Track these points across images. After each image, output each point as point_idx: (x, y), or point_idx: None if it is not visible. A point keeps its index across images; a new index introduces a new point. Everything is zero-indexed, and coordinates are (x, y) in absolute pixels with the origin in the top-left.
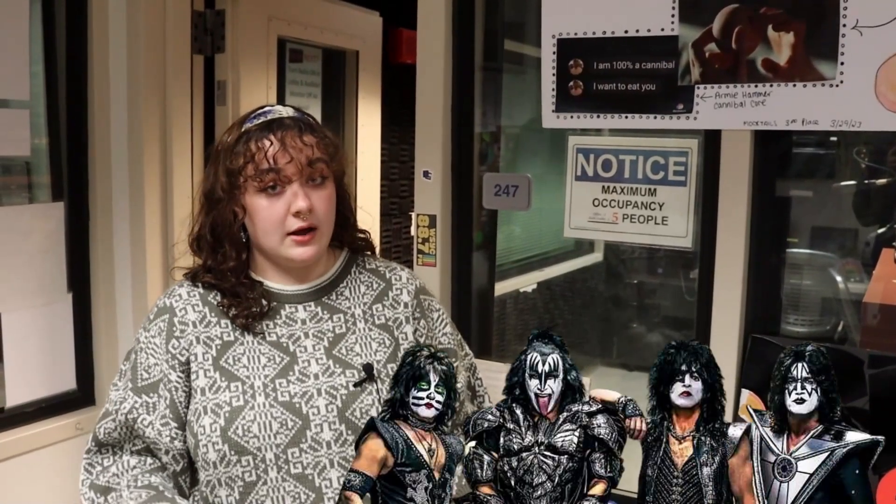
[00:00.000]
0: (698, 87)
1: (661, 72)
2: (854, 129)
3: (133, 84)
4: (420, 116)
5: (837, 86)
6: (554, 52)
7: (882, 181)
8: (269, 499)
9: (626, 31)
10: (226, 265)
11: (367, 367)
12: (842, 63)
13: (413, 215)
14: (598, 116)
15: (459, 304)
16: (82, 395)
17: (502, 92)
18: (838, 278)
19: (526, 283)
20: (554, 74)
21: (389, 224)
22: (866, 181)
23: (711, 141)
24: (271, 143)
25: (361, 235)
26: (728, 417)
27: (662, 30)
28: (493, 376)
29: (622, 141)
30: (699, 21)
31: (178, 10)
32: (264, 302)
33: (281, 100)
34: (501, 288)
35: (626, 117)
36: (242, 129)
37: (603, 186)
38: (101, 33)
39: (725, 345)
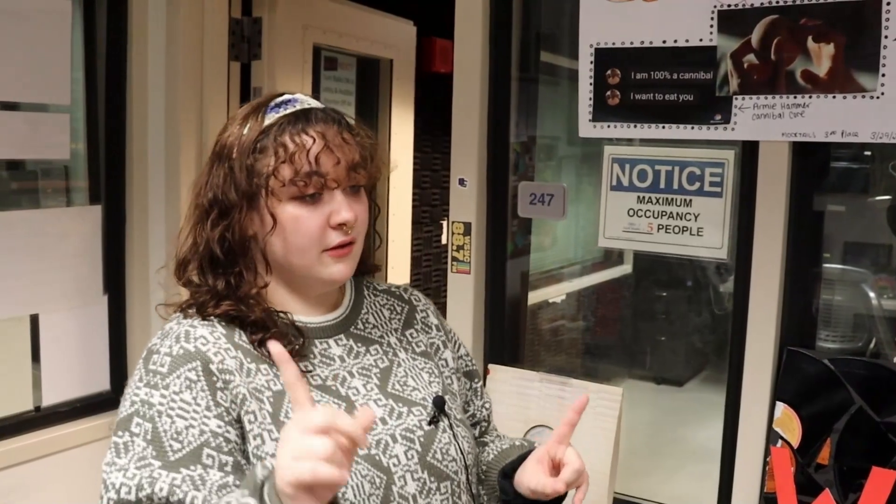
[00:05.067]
0: (736, 98)
1: (698, 82)
2: (895, 142)
3: (171, 90)
4: (456, 124)
5: (878, 98)
6: (591, 62)
7: None
8: None
9: (664, 42)
10: (246, 290)
11: (439, 401)
12: (883, 75)
13: (447, 223)
14: (635, 126)
15: (493, 312)
16: (115, 397)
17: (537, 102)
18: (871, 294)
19: (555, 293)
20: (591, 84)
21: (420, 232)
22: None
23: (749, 152)
24: (313, 141)
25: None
26: (763, 430)
27: (701, 40)
28: (523, 384)
29: (658, 151)
30: (738, 32)
31: (216, 18)
32: (293, 337)
33: None
34: (532, 297)
35: (664, 127)
36: (266, 122)
37: (638, 196)
38: (141, 39)
39: (761, 357)
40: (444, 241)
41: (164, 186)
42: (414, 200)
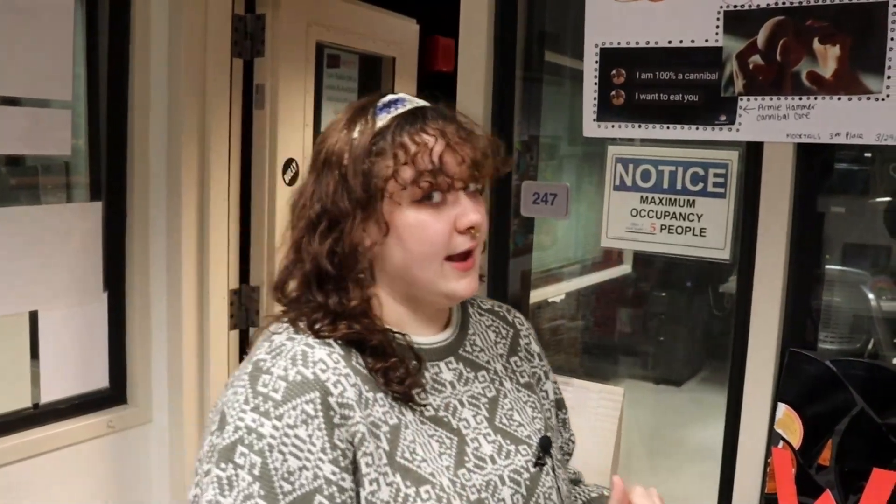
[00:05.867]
0: (741, 99)
1: (704, 83)
2: None
3: (173, 86)
4: None
5: (884, 100)
6: (596, 62)
7: None
8: None
9: (669, 42)
10: (357, 306)
11: (546, 443)
12: (888, 77)
13: None
14: (640, 126)
15: None
16: (114, 394)
17: (541, 102)
18: (870, 295)
19: (555, 293)
20: (596, 83)
21: None
22: None
23: (753, 153)
24: (435, 139)
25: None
26: (764, 431)
27: (706, 41)
28: None
29: (661, 151)
30: (744, 32)
31: (219, 14)
32: (410, 360)
33: (317, 105)
34: (532, 297)
35: (668, 128)
36: (378, 123)
37: (641, 196)
38: (143, 35)
39: (762, 358)
40: None
41: (166, 184)
42: None
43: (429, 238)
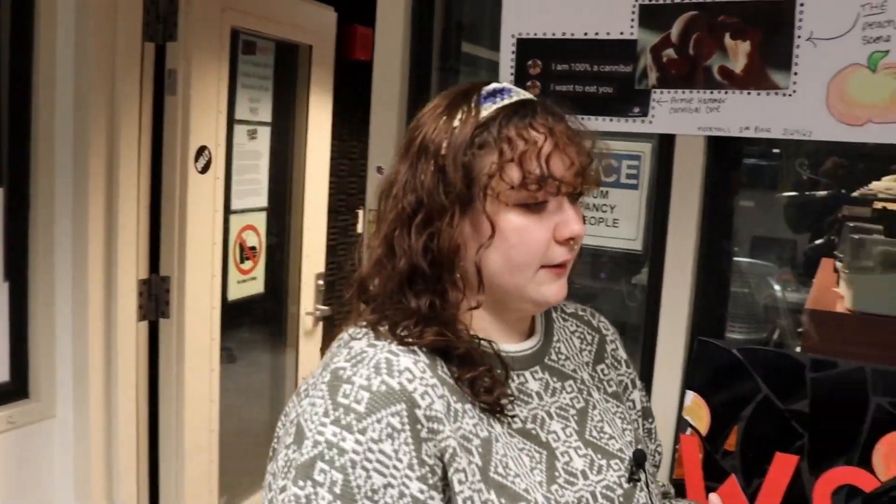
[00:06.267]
0: (655, 92)
1: (618, 75)
2: (805, 138)
3: (81, 70)
4: (375, 112)
5: (790, 95)
6: (513, 52)
7: (821, 193)
8: None
9: (585, 34)
10: (452, 312)
11: (640, 456)
12: (795, 73)
13: (363, 211)
14: None
15: None
16: (15, 388)
17: None
18: (776, 287)
19: None
20: (512, 74)
21: (336, 221)
22: (806, 192)
23: (665, 145)
24: (544, 138)
25: None
26: (673, 418)
27: (622, 33)
28: None
29: None
30: (658, 26)
31: None
32: (498, 370)
33: (232, 93)
34: None
35: (583, 119)
36: (482, 113)
37: None
38: (49, 15)
39: (672, 346)
40: (359, 230)
41: (72, 170)
42: (331, 189)
43: (528, 245)
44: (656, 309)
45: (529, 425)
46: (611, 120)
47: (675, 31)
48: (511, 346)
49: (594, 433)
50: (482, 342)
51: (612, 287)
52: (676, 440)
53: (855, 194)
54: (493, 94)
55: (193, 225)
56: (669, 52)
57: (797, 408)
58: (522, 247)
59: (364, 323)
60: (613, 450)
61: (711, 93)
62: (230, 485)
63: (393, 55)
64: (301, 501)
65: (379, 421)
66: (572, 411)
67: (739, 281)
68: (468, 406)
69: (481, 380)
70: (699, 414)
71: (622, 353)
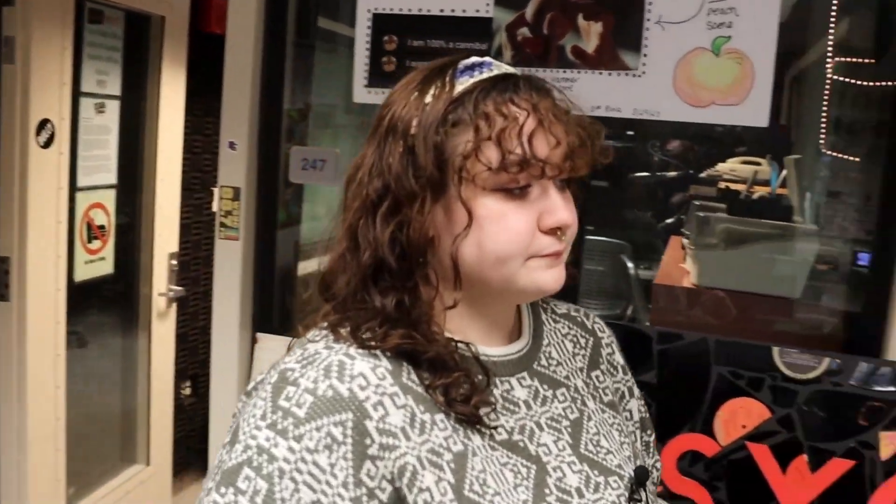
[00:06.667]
0: None
1: (474, 52)
2: (653, 119)
3: None
4: (227, 86)
5: (640, 76)
6: (369, 27)
7: (672, 174)
8: None
9: (441, 10)
10: (424, 311)
11: (642, 474)
12: (645, 55)
13: (217, 188)
14: None
15: (262, 279)
16: None
17: (313, 69)
18: (629, 264)
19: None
20: (368, 49)
21: (191, 199)
22: (658, 173)
23: None
24: (526, 115)
25: None
26: None
27: (477, 11)
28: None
29: None
30: (513, 5)
31: None
32: (476, 375)
33: (78, 64)
34: (308, 267)
35: None
36: (457, 87)
37: None
38: None
39: None
40: (214, 208)
41: None
42: (184, 166)
43: (509, 235)
44: None
45: (516, 436)
46: None
47: (529, 10)
48: (494, 350)
49: (590, 447)
50: (459, 345)
51: None
52: None
53: (702, 175)
54: (472, 67)
55: (35, 202)
56: (524, 31)
57: (645, 379)
58: (502, 236)
59: (325, 325)
60: (611, 466)
61: (564, 72)
62: (79, 473)
63: (246, 29)
64: None
65: (318, 429)
66: (565, 422)
67: (594, 259)
68: (439, 417)
69: (456, 387)
70: None
71: (619, 359)
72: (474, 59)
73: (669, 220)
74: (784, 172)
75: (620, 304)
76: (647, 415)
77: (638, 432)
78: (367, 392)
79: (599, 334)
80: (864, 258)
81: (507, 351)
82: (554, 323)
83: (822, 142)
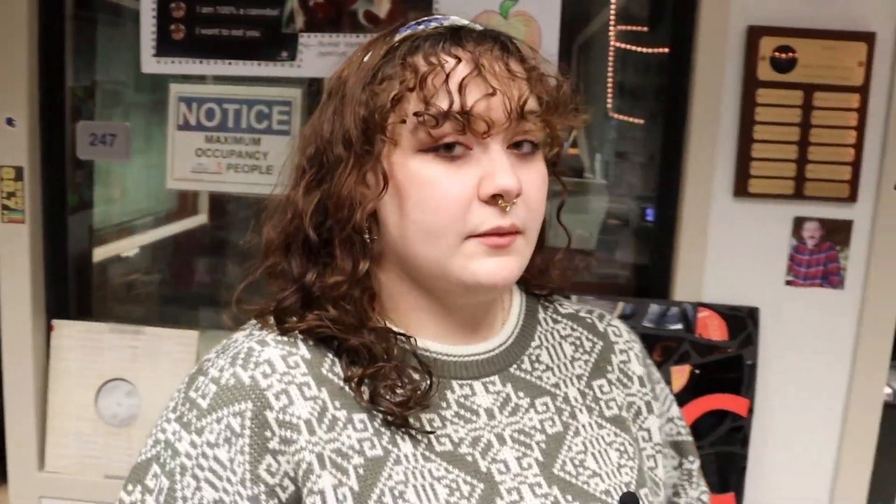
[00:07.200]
0: (302, 36)
1: (265, 19)
2: None
3: None
4: (1, 60)
5: None
6: None
7: None
8: None
9: None
10: (342, 292)
11: (628, 499)
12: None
13: None
14: (201, 62)
15: (55, 266)
16: None
17: (97, 43)
18: None
19: (127, 247)
20: (154, 17)
21: None
22: None
23: (315, 91)
24: (457, 61)
25: (562, 259)
26: None
27: None
28: (93, 337)
29: (226, 90)
30: None
31: None
32: (417, 375)
33: None
34: (101, 253)
35: (230, 63)
36: (395, 39)
37: (207, 136)
38: None
39: None
40: None
41: None
42: None
43: (436, 203)
44: None
45: (464, 449)
46: (259, 64)
47: None
48: (449, 348)
49: (568, 467)
50: (399, 336)
51: None
52: None
53: None
54: (419, 23)
55: None
56: None
57: None
58: (426, 206)
59: (256, 313)
60: (594, 490)
61: (357, 36)
62: None
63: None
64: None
65: (219, 420)
66: (539, 437)
67: None
68: (360, 416)
69: (380, 382)
70: None
71: (636, 368)
72: (436, 15)
73: None
74: (574, 132)
75: None
76: (687, 437)
77: (660, 455)
78: (270, 380)
79: (613, 338)
80: (650, 213)
81: (471, 350)
82: (553, 323)
83: (608, 105)
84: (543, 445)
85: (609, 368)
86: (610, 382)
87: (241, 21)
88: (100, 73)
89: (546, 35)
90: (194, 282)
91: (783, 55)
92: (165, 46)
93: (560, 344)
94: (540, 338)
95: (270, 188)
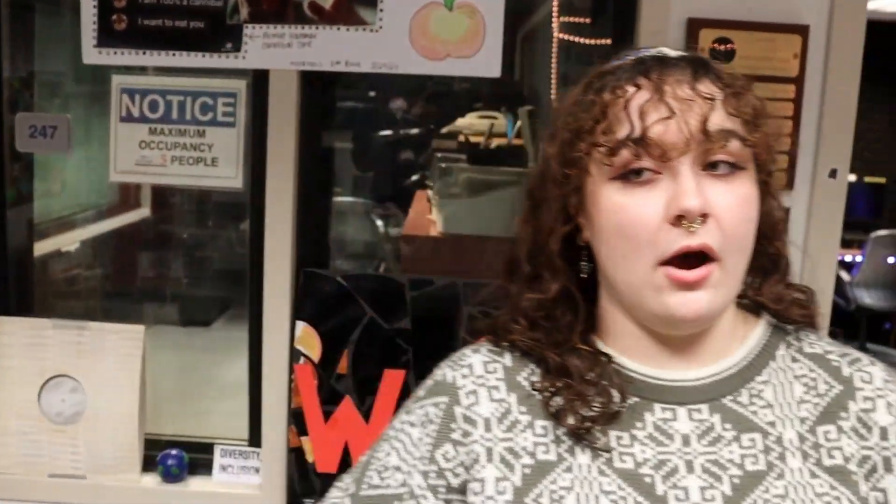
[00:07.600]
0: (247, 27)
1: (209, 10)
2: (392, 72)
3: None
4: None
5: (377, 31)
6: None
7: (414, 131)
8: None
9: None
10: (543, 312)
11: None
12: (381, 10)
13: None
14: (144, 53)
15: None
16: None
17: (35, 32)
18: (379, 222)
19: (68, 242)
20: (95, 6)
21: None
22: (401, 132)
23: (259, 82)
24: (637, 89)
25: (799, 296)
26: (286, 351)
27: None
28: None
29: (169, 81)
30: None
31: None
32: (616, 393)
33: None
34: (42, 248)
35: (174, 55)
36: (595, 73)
37: (150, 128)
38: None
39: (278, 281)
40: None
41: None
42: None
43: (626, 229)
44: (260, 245)
45: (645, 470)
46: (203, 56)
47: None
48: (661, 371)
49: None
50: (601, 358)
51: (221, 235)
52: (292, 371)
53: (443, 131)
54: (621, 56)
55: None
56: None
57: (400, 326)
58: (620, 230)
59: (486, 326)
60: None
61: (303, 28)
62: None
63: None
64: (361, 461)
65: (422, 407)
66: (734, 471)
67: (344, 219)
68: (543, 422)
69: (568, 397)
70: (311, 343)
71: (882, 418)
72: (648, 47)
73: (415, 177)
74: (518, 123)
75: (373, 263)
76: None
77: None
78: (466, 381)
79: (858, 384)
80: None
81: (680, 376)
82: (791, 361)
83: (552, 95)
84: (737, 481)
85: (843, 415)
86: (840, 430)
87: (185, 12)
88: (38, 63)
89: (490, 26)
90: (138, 276)
91: (722, 47)
92: (107, 37)
93: (791, 383)
94: (770, 374)
95: (214, 180)
